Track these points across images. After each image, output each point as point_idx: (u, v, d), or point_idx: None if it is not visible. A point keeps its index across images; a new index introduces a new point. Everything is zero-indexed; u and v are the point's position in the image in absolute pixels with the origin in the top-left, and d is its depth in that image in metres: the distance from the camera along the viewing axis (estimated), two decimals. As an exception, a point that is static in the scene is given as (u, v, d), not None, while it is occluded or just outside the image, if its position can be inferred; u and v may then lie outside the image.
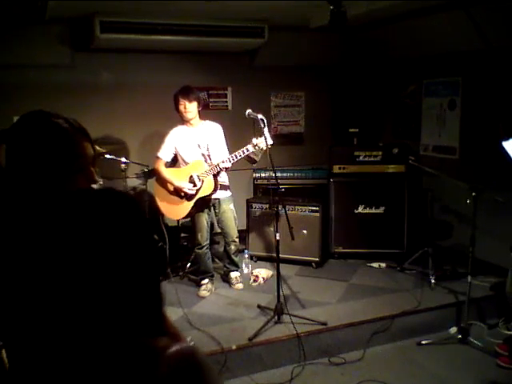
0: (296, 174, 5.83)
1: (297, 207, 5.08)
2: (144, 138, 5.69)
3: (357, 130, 5.54)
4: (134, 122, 5.54)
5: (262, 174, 5.72)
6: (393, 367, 3.57)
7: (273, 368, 3.54)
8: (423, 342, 3.84)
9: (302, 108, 6.50)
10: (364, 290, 4.51)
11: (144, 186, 5.06)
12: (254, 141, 3.93)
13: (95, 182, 1.32)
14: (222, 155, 4.20)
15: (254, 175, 5.86)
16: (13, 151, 1.23)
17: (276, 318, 3.82)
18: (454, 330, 3.89)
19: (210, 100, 5.94)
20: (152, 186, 5.03)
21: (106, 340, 0.81)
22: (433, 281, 4.48)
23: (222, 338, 3.56)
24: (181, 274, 4.78)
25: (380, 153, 5.32)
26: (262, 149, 3.90)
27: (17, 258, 0.96)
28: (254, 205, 5.22)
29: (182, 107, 4.17)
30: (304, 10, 4.70)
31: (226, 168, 4.10)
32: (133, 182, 5.18)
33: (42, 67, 5.03)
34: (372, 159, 5.33)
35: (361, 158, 5.34)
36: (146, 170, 4.86)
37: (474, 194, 3.69)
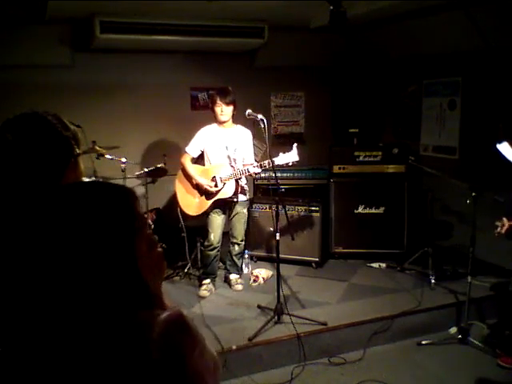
0: (296, 174, 5.84)
1: (297, 207, 5.08)
2: (144, 138, 5.70)
3: (357, 130, 5.55)
4: (134, 121, 5.55)
5: (262, 174, 5.71)
6: (393, 367, 3.57)
7: (273, 368, 3.54)
8: (423, 342, 3.84)
9: (302, 108, 6.50)
10: (364, 290, 4.51)
11: (144, 187, 5.06)
12: (281, 155, 3.94)
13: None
14: (246, 160, 4.26)
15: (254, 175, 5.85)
16: (1, 150, 1.23)
17: (276, 318, 3.82)
18: (453, 330, 3.89)
19: (210, 100, 5.94)
20: (158, 184, 5.07)
21: (97, 316, 0.88)
22: (433, 281, 4.48)
23: (222, 338, 3.56)
24: (181, 274, 4.78)
25: (380, 153, 5.32)
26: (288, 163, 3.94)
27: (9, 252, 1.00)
28: (253, 205, 5.22)
29: (218, 109, 4.18)
30: (304, 10, 4.70)
31: (256, 173, 4.14)
32: (133, 182, 5.18)
33: (42, 67, 5.03)
34: (372, 159, 5.33)
35: (361, 158, 5.34)
36: (146, 169, 4.86)
37: (473, 194, 3.69)
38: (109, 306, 0.89)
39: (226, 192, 4.25)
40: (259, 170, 4.10)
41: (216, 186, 4.26)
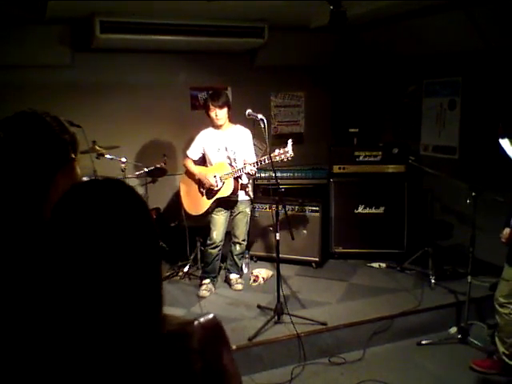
0: (296, 174, 5.83)
1: (297, 207, 5.08)
2: (144, 138, 5.69)
3: (357, 130, 5.54)
4: (134, 122, 5.55)
5: (262, 174, 5.72)
6: (393, 367, 3.57)
7: (273, 368, 3.54)
8: (423, 342, 3.84)
9: (302, 108, 6.50)
10: (364, 290, 4.52)
11: (144, 187, 5.07)
12: (277, 151, 3.96)
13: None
14: (248, 159, 4.27)
15: (254, 175, 5.85)
16: None
17: (276, 317, 3.82)
18: (453, 329, 3.89)
19: (210, 100, 5.94)
20: (158, 184, 5.06)
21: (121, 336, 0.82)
22: (433, 281, 4.48)
23: (222, 338, 3.56)
24: (181, 274, 4.78)
25: (380, 153, 5.32)
26: (282, 159, 3.97)
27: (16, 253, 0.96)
28: (254, 205, 5.22)
29: (212, 113, 4.19)
30: (304, 9, 4.70)
31: (250, 173, 4.14)
32: (133, 182, 5.18)
33: (42, 67, 5.03)
34: (372, 159, 5.33)
35: (361, 158, 5.34)
36: (146, 169, 4.86)
37: (473, 193, 3.69)
38: (135, 310, 0.84)
39: (225, 190, 4.26)
40: (255, 168, 4.09)
41: (216, 184, 4.27)
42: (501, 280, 3.43)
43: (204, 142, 4.39)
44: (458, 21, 4.46)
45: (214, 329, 0.92)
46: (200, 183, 4.39)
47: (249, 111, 3.84)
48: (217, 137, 4.33)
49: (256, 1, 4.26)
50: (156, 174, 5.04)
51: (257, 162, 4.07)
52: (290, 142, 3.94)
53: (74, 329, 0.81)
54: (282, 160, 3.95)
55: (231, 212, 4.46)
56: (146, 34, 4.75)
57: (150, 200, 5.08)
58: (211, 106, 4.17)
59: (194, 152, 4.44)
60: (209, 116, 4.26)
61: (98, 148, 4.50)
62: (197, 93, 5.91)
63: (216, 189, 4.28)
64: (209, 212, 4.38)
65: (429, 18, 4.71)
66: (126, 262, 0.83)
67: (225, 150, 4.30)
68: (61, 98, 4.98)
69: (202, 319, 0.91)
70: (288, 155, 3.92)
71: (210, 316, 0.93)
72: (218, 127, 4.30)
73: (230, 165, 4.28)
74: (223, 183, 4.26)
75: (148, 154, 5.55)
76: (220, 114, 4.19)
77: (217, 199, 4.31)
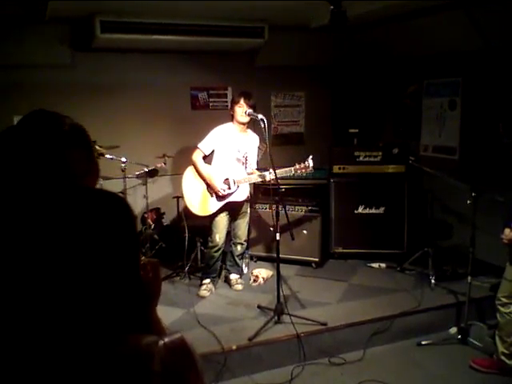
0: (296, 174, 5.81)
1: (297, 207, 5.08)
2: (144, 138, 5.68)
3: (357, 130, 5.54)
4: (134, 121, 5.54)
5: (262, 174, 5.71)
6: (393, 367, 3.57)
7: (273, 368, 3.54)
8: (423, 343, 3.84)
9: (302, 108, 6.50)
10: (364, 290, 4.51)
11: (144, 187, 5.06)
12: (297, 166, 4.11)
13: None
14: (252, 165, 4.31)
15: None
16: (5, 152, 1.22)
17: (276, 318, 3.82)
18: (453, 330, 3.90)
19: (210, 100, 5.94)
20: (158, 184, 5.02)
21: (93, 339, 0.82)
22: (433, 281, 4.48)
23: (222, 338, 3.56)
24: (181, 274, 4.78)
25: (380, 153, 5.32)
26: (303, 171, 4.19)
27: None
28: (254, 205, 5.22)
29: (240, 109, 4.14)
30: (304, 9, 4.70)
31: (271, 182, 4.09)
32: (132, 182, 5.18)
33: (43, 67, 5.03)
34: (372, 159, 5.33)
35: (361, 158, 5.34)
36: (146, 169, 4.86)
37: (474, 194, 3.69)
38: (106, 319, 0.83)
39: (240, 195, 4.26)
40: (274, 178, 3.99)
41: (229, 188, 4.23)
42: (503, 280, 3.43)
43: (220, 138, 4.27)
44: (458, 21, 4.46)
45: (180, 350, 0.85)
46: (209, 184, 4.28)
47: (249, 111, 3.84)
48: (233, 136, 4.27)
49: (256, 1, 4.26)
50: (156, 174, 5.03)
51: (275, 174, 3.88)
52: (310, 157, 4.07)
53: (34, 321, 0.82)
54: (301, 173, 4.16)
55: (233, 214, 4.44)
56: (146, 33, 4.74)
57: (150, 200, 5.09)
58: (242, 102, 4.12)
59: (206, 146, 4.28)
60: (233, 111, 4.20)
61: (98, 148, 4.50)
62: (197, 93, 5.90)
63: (229, 192, 4.22)
64: (216, 214, 4.32)
65: (429, 18, 4.71)
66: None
67: (237, 152, 4.26)
68: (61, 97, 4.97)
69: (167, 339, 0.84)
70: (308, 170, 4.12)
71: (177, 336, 0.87)
72: (239, 124, 4.22)
73: (245, 169, 4.27)
74: (237, 187, 4.22)
75: (148, 154, 5.55)
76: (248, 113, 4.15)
77: (228, 203, 4.26)
